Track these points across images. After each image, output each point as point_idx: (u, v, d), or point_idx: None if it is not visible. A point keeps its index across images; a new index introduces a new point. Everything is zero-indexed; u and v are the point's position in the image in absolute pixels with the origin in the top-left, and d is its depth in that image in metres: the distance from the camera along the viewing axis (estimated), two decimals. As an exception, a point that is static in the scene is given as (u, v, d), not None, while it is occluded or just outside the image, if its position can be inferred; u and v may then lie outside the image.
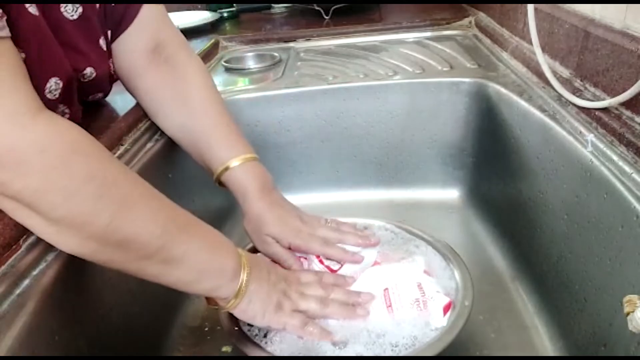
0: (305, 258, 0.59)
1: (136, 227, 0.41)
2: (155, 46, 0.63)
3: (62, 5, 0.53)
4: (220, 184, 0.62)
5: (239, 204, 0.61)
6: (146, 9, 0.62)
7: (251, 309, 0.50)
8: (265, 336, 0.52)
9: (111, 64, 0.63)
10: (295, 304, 0.51)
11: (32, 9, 0.47)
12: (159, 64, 0.63)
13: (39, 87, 0.46)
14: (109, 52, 0.62)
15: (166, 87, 0.63)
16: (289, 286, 0.53)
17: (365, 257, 0.59)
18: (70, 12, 0.54)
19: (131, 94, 0.66)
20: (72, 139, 0.39)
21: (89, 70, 0.57)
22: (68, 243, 0.40)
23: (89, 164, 0.39)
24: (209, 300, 0.51)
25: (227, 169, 0.60)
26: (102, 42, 0.59)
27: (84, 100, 0.62)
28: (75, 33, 0.55)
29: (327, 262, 0.59)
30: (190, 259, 0.45)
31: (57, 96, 0.51)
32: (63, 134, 0.39)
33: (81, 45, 0.56)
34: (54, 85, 0.50)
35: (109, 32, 0.62)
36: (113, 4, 0.60)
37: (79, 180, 0.38)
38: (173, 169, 0.70)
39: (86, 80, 0.57)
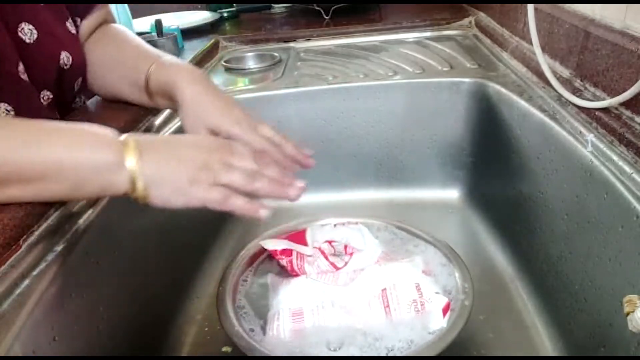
0: (310, 255, 0.59)
1: None
2: (97, 24, 0.66)
3: None
4: (156, 97, 0.60)
5: None
6: None
7: (160, 194, 0.44)
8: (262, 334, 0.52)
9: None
10: (215, 176, 0.45)
11: None
12: (99, 38, 0.66)
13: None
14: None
15: (101, 52, 0.65)
16: (210, 156, 0.46)
17: (369, 254, 0.60)
18: None
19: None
20: None
21: (64, 55, 0.58)
22: None
23: None
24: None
25: (151, 72, 0.59)
26: (69, 26, 0.61)
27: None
28: (49, 16, 0.56)
29: (332, 259, 0.59)
30: (56, 168, 0.41)
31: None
32: None
33: (57, 30, 0.57)
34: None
35: (78, 20, 0.63)
36: None
37: None
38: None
39: (67, 67, 0.58)
